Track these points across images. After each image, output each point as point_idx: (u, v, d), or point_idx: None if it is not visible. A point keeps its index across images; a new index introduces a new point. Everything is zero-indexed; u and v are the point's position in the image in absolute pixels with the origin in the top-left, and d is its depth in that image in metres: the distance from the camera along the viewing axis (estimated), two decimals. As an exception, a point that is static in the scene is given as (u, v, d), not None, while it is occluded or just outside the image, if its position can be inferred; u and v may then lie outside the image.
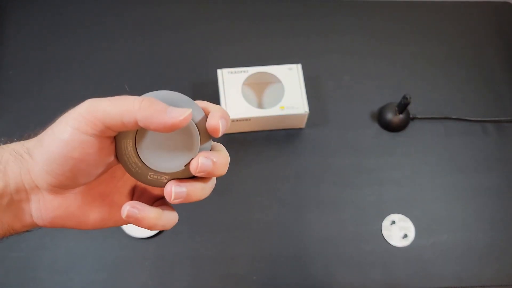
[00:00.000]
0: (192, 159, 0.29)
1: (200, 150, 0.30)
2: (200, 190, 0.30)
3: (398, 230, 0.66)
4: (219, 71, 0.70)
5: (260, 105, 0.72)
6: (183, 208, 0.66)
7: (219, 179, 0.71)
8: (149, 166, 0.30)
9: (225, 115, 0.30)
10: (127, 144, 0.29)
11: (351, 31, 0.83)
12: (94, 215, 0.32)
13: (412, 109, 0.74)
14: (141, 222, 0.29)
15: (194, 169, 0.29)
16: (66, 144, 0.27)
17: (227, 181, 0.69)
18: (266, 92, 0.74)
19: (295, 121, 0.71)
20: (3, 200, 0.29)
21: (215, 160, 0.30)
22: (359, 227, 0.67)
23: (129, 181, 0.33)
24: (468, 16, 0.86)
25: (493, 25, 0.85)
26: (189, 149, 0.30)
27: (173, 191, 0.29)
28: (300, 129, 0.73)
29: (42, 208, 0.30)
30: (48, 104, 0.72)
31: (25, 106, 0.72)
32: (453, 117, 0.75)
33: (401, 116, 0.72)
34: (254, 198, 0.68)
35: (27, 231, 0.31)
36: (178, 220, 0.74)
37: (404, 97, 0.68)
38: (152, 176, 0.30)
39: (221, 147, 0.32)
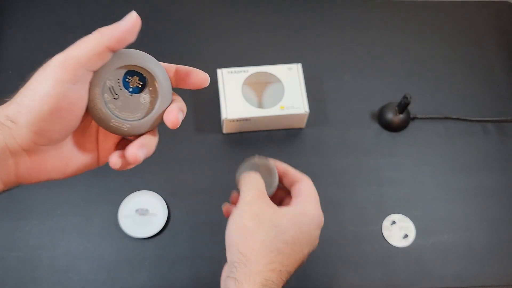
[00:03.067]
0: (150, 110, 0.34)
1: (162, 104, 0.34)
2: (155, 145, 0.34)
3: (399, 230, 0.66)
4: (219, 71, 0.70)
5: (260, 105, 0.72)
6: (183, 208, 0.66)
7: (221, 180, 0.71)
8: (113, 113, 0.33)
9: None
10: (95, 92, 0.31)
11: (351, 31, 0.83)
12: (73, 164, 0.34)
13: (412, 109, 0.74)
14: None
15: (172, 121, 0.33)
16: (51, 98, 0.28)
17: (227, 180, 0.69)
18: (266, 92, 0.73)
19: (295, 121, 0.71)
20: None
21: (184, 110, 0.34)
22: (359, 227, 0.67)
23: (93, 130, 0.36)
24: (469, 15, 0.86)
25: (494, 25, 0.85)
26: (152, 101, 0.34)
27: (137, 154, 0.32)
28: (300, 129, 0.73)
29: (30, 168, 0.31)
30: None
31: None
32: (454, 117, 0.75)
33: (401, 116, 0.72)
34: (254, 198, 0.68)
35: (7, 190, 0.32)
36: (179, 220, 0.74)
37: (405, 97, 0.68)
38: (114, 123, 0.33)
39: (175, 96, 0.36)
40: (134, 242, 0.64)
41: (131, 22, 0.30)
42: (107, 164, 0.70)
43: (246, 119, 0.68)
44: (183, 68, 0.36)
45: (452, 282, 0.64)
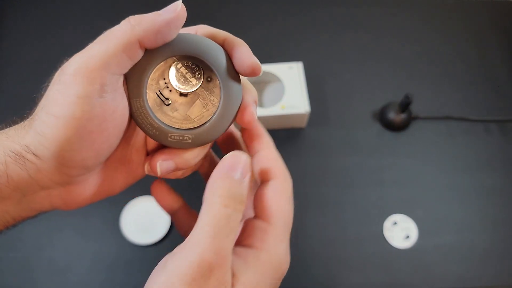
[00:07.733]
0: (215, 110, 0.26)
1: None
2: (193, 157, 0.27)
3: (400, 231, 0.66)
4: (219, 70, 0.69)
5: (260, 104, 0.72)
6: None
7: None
8: (168, 125, 0.26)
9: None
10: (139, 104, 0.25)
11: (352, 29, 0.82)
12: (119, 183, 0.28)
13: (414, 108, 0.74)
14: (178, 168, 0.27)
15: (249, 121, 0.25)
16: (76, 121, 0.22)
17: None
18: (266, 91, 0.73)
19: (296, 120, 0.70)
20: (12, 200, 0.24)
21: (257, 99, 0.26)
22: (360, 227, 0.66)
23: (139, 136, 0.29)
24: (471, 14, 0.85)
25: (496, 24, 0.85)
26: (216, 97, 0.26)
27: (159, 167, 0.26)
28: (301, 128, 0.73)
29: (65, 198, 0.26)
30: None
31: (23, 108, 0.71)
32: (456, 116, 0.74)
33: (402, 115, 0.72)
34: (254, 198, 0.67)
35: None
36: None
37: (406, 96, 0.68)
38: (172, 137, 0.26)
39: (244, 81, 0.27)
40: (134, 245, 0.63)
41: (175, 13, 0.23)
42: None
43: (246, 119, 0.67)
44: (230, 39, 0.26)
45: (454, 283, 0.63)
